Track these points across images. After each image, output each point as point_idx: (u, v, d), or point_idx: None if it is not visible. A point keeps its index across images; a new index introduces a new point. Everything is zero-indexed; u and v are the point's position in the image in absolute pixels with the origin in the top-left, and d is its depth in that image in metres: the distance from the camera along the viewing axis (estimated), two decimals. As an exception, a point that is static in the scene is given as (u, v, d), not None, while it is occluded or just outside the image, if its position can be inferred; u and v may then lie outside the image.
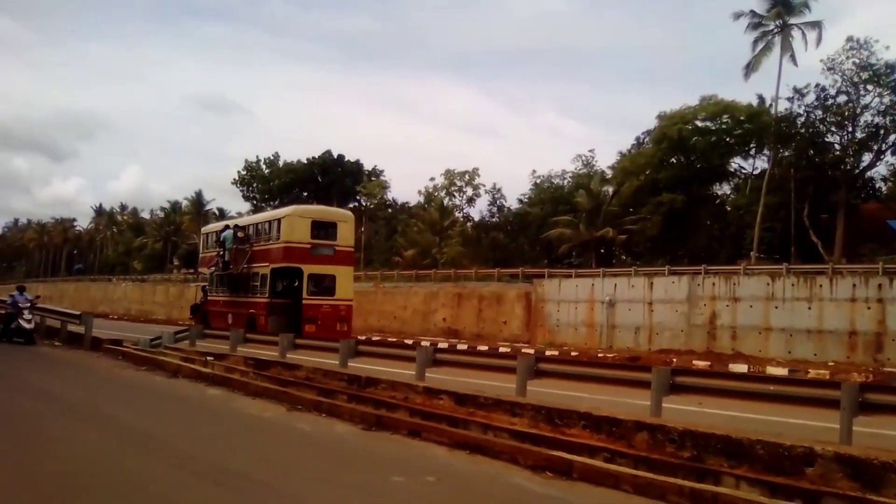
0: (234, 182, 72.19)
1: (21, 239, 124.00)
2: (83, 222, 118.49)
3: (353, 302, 25.13)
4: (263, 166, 70.86)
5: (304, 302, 23.15)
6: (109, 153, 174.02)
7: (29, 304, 22.68)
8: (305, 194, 68.68)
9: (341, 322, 23.68)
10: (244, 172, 71.38)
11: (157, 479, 6.99)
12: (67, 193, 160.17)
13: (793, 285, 28.26)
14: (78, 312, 24.77)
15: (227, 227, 27.25)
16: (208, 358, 17.32)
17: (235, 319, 24.32)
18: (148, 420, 10.46)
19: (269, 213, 29.77)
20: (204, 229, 33.37)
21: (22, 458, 7.64)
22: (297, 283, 23.77)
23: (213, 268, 27.07)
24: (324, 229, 24.25)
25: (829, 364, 24.59)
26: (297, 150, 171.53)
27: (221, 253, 25.78)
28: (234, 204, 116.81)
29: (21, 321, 22.10)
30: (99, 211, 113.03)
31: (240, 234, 25.35)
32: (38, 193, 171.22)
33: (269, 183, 69.46)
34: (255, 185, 71.07)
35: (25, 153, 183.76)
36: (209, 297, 27.77)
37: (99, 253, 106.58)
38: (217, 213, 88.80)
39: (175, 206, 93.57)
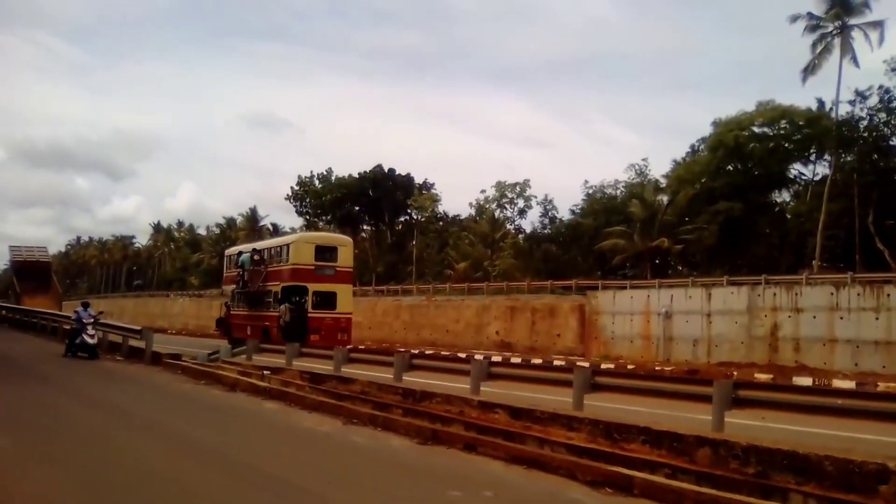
0: (287, 197, 73.30)
1: (83, 256, 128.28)
2: (142, 239, 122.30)
3: (352, 315, 28.21)
4: (316, 181, 71.74)
5: (309, 315, 26.02)
6: (166, 171, 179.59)
7: (92, 320, 23.30)
8: (357, 208, 69.34)
9: (342, 332, 26.51)
10: (297, 188, 72.40)
11: (219, 490, 7.13)
12: (126, 211, 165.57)
13: (858, 295, 27.33)
14: (138, 328, 25.38)
15: (242, 252, 30.89)
16: (265, 372, 17.55)
17: (253, 331, 27.29)
18: (208, 433, 10.63)
19: (279, 239, 33.94)
20: (227, 252, 36.61)
21: (93, 468, 7.88)
22: (303, 299, 26.40)
23: (234, 286, 30.19)
24: (326, 253, 27.54)
25: (900, 376, 23.67)
26: (349, 164, 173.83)
27: (241, 273, 29.07)
28: (288, 219, 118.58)
29: (85, 336, 22.68)
30: (157, 228, 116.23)
31: (255, 258, 28.76)
32: (98, 212, 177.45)
33: (321, 198, 70.28)
34: (307, 200, 71.97)
35: (87, 173, 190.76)
36: (231, 312, 30.75)
37: (157, 269, 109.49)
38: (271, 228, 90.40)
39: (230, 222, 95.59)
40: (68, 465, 8.05)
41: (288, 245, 28.01)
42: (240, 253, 31.12)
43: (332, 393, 14.57)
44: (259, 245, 31.57)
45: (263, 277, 27.96)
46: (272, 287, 27.20)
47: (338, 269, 27.43)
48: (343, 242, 29.66)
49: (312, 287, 26.30)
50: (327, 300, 26.54)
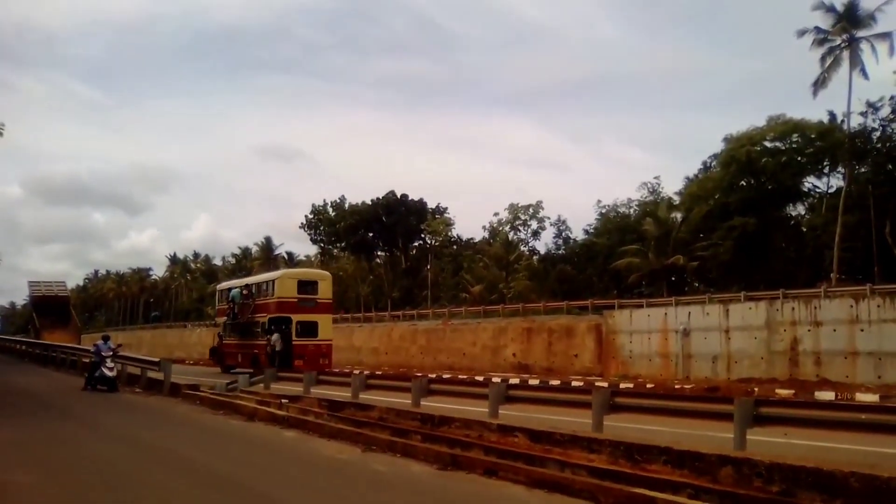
0: (302, 226, 73.72)
1: (101, 289, 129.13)
2: (158, 271, 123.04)
3: (332, 341, 31.18)
4: (330, 209, 72.12)
5: (293, 342, 28.83)
6: (182, 204, 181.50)
7: (111, 353, 23.46)
8: (371, 235, 69.55)
9: (323, 357, 29.56)
10: (311, 216, 72.81)
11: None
12: (143, 244, 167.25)
13: (879, 306, 27.01)
14: (157, 360, 25.54)
15: (232, 287, 34.12)
16: (283, 401, 17.56)
17: (243, 358, 30.39)
18: (229, 464, 10.65)
19: (265, 275, 36.48)
20: (218, 287, 40.13)
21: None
22: (288, 328, 29.10)
23: (225, 318, 33.13)
24: (307, 286, 30.60)
25: (924, 389, 23.32)
26: (362, 192, 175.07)
27: (231, 306, 32.11)
28: (303, 248, 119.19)
29: (104, 369, 22.83)
30: (173, 259, 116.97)
31: (244, 292, 31.77)
32: (115, 245, 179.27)
33: (335, 225, 70.62)
34: (321, 228, 72.33)
35: (103, 208, 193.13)
36: (223, 342, 33.43)
37: (174, 300, 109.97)
38: (286, 257, 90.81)
39: (245, 252, 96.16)
40: (91, 499, 8.08)
41: (273, 280, 31.17)
42: (230, 288, 34.11)
43: (350, 420, 14.54)
44: (247, 281, 34.82)
45: (252, 310, 30.88)
46: (260, 318, 30.07)
47: (318, 300, 30.45)
48: (323, 277, 33.06)
49: (296, 317, 29.24)
50: (310, 329, 29.55)
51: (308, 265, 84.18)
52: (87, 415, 16.81)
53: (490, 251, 60.56)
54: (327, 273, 36.15)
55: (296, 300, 29.67)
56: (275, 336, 28.22)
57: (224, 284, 38.37)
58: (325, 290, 31.04)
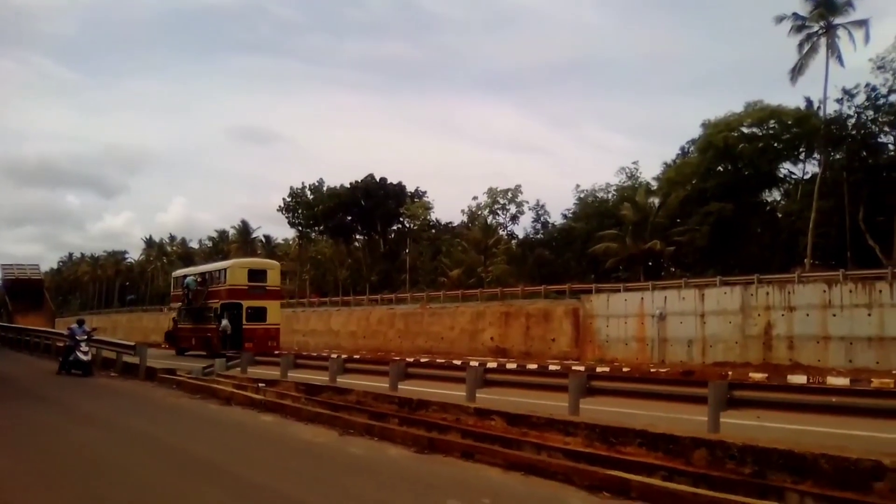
0: (280, 209, 73.29)
1: (75, 272, 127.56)
2: (134, 254, 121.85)
3: (279, 325, 33.02)
4: (308, 192, 71.71)
5: (244, 327, 30.60)
6: (157, 186, 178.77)
7: (86, 337, 23.21)
8: (349, 218, 69.31)
9: (271, 340, 31.33)
10: (289, 199, 72.39)
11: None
12: (118, 227, 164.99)
13: (851, 291, 27.47)
14: (132, 343, 25.33)
15: (187, 275, 35.82)
16: (260, 384, 17.52)
17: (197, 342, 32.19)
18: (205, 448, 10.61)
19: (218, 264, 38.74)
20: (173, 274, 41.67)
21: (92, 486, 7.87)
22: (239, 314, 30.85)
23: (181, 303, 34.78)
24: (257, 275, 32.38)
25: (894, 372, 23.78)
26: (341, 175, 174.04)
27: (186, 293, 33.78)
28: (280, 231, 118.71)
29: (79, 353, 22.59)
30: (149, 243, 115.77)
31: (198, 280, 33.60)
32: (90, 228, 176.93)
33: (313, 209, 70.28)
34: (299, 211, 71.96)
35: (77, 190, 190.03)
36: (178, 326, 34.99)
37: (150, 283, 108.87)
38: (263, 240, 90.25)
39: (223, 235, 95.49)
40: (67, 484, 8.01)
41: (225, 269, 33.31)
42: (185, 276, 35.85)
43: (328, 404, 14.55)
44: (201, 269, 37.20)
45: (205, 296, 32.58)
46: (213, 304, 31.67)
47: (267, 288, 32.31)
48: (271, 266, 35.26)
49: (246, 304, 31.04)
50: (259, 314, 31.37)
51: (286, 248, 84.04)
52: (61, 399, 16.63)
53: (469, 235, 60.61)
54: (276, 262, 38.79)
55: (246, 287, 31.44)
56: (224, 322, 30.05)
57: (179, 272, 40.07)
58: (273, 279, 33.16)
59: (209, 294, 32.45)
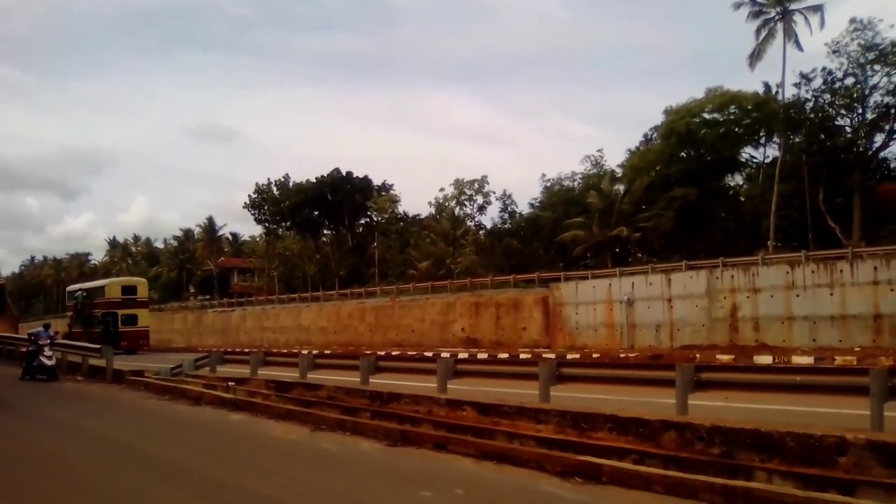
0: (246, 206, 72.38)
1: (38, 276, 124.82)
2: (98, 256, 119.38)
3: (149, 328, 44.11)
4: (274, 188, 70.99)
5: (120, 329, 40.87)
6: (118, 186, 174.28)
7: (49, 341, 22.78)
8: (316, 213, 68.81)
9: (142, 339, 42.20)
10: (255, 196, 71.56)
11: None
12: (80, 229, 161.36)
13: (813, 272, 27.99)
14: (98, 346, 24.91)
15: (77, 290, 47.07)
16: (230, 383, 17.33)
17: (87, 340, 35.84)
18: (174, 449, 10.46)
19: (99, 282, 49.22)
20: (68, 289, 52.48)
21: (57, 494, 7.71)
22: (116, 319, 41.28)
23: (74, 312, 46.03)
24: (129, 290, 43.46)
25: (856, 350, 24.32)
26: (306, 170, 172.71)
27: (77, 304, 45.26)
28: (247, 228, 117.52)
29: (42, 358, 22.18)
30: (113, 243, 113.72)
31: (85, 294, 44.78)
32: (51, 231, 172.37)
33: (279, 205, 69.57)
34: (266, 207, 71.18)
35: (36, 192, 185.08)
36: (72, 330, 43.85)
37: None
38: (230, 237, 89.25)
39: (188, 234, 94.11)
40: (30, 492, 7.83)
41: (104, 286, 44.37)
42: (74, 291, 47.40)
43: (299, 400, 14.44)
44: (87, 286, 47.87)
45: (91, 307, 43.08)
46: (96, 313, 42.09)
47: (137, 300, 43.14)
48: (140, 283, 46.72)
49: (121, 312, 41.59)
50: (131, 320, 42.03)
51: (253, 245, 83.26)
52: (25, 405, 16.30)
53: (436, 227, 60.49)
54: (144, 280, 50.50)
55: (120, 300, 42.03)
56: (102, 326, 40.45)
57: (72, 287, 50.99)
58: (142, 292, 44.29)
59: (94, 305, 42.87)
